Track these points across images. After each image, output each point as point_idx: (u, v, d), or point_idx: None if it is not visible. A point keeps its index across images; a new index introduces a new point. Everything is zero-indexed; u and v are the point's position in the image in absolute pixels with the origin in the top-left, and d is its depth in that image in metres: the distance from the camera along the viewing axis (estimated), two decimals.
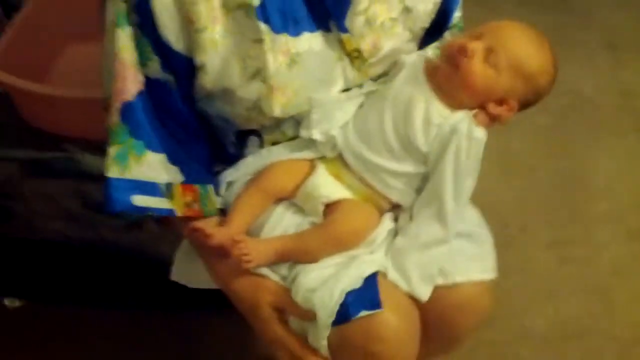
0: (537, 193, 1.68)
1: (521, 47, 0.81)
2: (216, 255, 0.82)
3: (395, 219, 0.86)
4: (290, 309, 0.80)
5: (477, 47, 0.78)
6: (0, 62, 1.10)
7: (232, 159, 0.91)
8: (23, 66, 1.15)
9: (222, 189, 0.89)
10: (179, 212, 0.83)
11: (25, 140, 1.12)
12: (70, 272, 1.23)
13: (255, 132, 0.89)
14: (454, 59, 0.79)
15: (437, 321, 0.84)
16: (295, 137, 0.88)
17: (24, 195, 1.14)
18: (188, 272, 0.97)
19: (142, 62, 0.78)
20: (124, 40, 0.77)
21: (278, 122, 0.86)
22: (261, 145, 0.89)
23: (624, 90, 2.02)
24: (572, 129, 1.86)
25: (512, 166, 1.74)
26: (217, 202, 0.87)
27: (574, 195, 1.68)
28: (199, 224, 0.82)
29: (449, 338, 0.90)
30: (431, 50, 0.90)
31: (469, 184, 0.81)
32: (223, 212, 0.87)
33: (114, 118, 0.79)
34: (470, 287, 0.83)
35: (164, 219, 0.92)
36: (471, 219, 0.89)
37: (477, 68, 0.78)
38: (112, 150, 0.80)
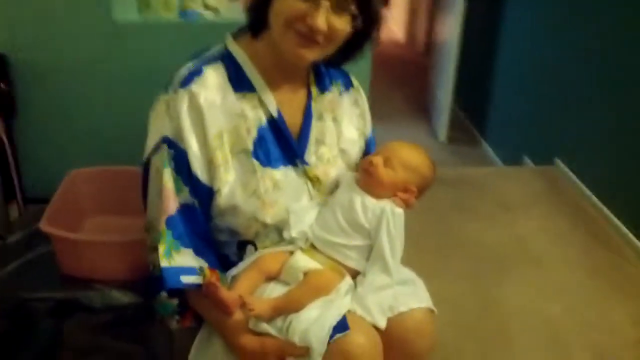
0: (466, 321, 2.00)
1: (405, 152, 1.27)
2: (222, 311, 1.12)
3: (354, 279, 1.22)
4: (290, 352, 1.09)
5: (378, 160, 1.24)
6: (49, 221, 1.49)
7: (232, 266, 1.24)
8: (62, 228, 1.54)
9: (228, 281, 1.21)
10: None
11: (64, 285, 1.44)
12: None
13: (251, 242, 1.24)
14: (366, 170, 1.24)
15: (397, 343, 1.15)
16: (279, 242, 1.23)
17: (62, 330, 1.41)
18: (203, 356, 1.22)
19: (177, 191, 1.15)
20: (168, 176, 1.14)
21: (267, 231, 1.21)
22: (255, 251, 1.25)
23: (519, 237, 2.53)
24: (485, 269, 2.30)
25: (443, 301, 2.09)
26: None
27: (494, 318, 2.02)
28: (214, 280, 1.11)
29: (407, 356, 1.19)
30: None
31: (399, 245, 1.20)
32: None
33: (162, 226, 1.14)
34: (414, 314, 1.18)
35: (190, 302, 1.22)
36: (405, 272, 1.27)
37: (381, 171, 1.23)
38: (161, 248, 1.13)
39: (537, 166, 3.35)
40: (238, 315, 1.13)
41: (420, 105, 5.18)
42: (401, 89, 5.67)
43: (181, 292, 1.20)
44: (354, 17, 1.11)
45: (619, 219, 2.56)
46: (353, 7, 1.10)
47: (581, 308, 2.08)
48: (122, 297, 1.45)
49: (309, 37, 1.10)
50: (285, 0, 1.08)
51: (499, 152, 4.09)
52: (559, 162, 3.13)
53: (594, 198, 2.75)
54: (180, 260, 1.15)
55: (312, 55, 1.14)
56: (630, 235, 2.45)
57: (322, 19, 1.07)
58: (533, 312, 2.06)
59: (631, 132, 2.53)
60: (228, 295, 1.12)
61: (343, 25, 1.11)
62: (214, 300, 1.12)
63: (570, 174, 2.99)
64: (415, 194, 1.26)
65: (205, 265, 1.18)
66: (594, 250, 2.44)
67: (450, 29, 4.16)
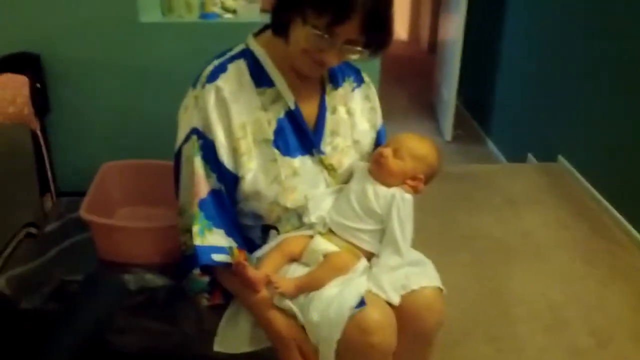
0: (472, 306, 2.09)
1: (413, 143, 1.38)
2: (250, 289, 1.23)
3: (369, 261, 1.33)
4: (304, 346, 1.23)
5: (388, 151, 1.35)
6: (88, 210, 1.62)
7: (257, 249, 1.35)
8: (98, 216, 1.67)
9: (254, 262, 1.32)
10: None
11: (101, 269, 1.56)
12: None
13: (274, 227, 1.35)
14: (377, 161, 1.35)
15: (409, 318, 1.25)
16: (299, 227, 1.35)
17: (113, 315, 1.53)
18: (229, 339, 1.34)
19: (206, 177, 1.27)
20: (198, 163, 1.26)
21: (288, 216, 1.33)
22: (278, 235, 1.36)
23: (523, 230, 2.63)
24: (490, 260, 2.39)
25: (449, 288, 2.17)
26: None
27: (499, 305, 2.11)
28: (242, 259, 1.23)
29: (419, 331, 1.29)
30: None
31: (409, 228, 1.31)
32: None
33: (195, 208, 1.25)
34: (425, 291, 1.28)
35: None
36: (416, 254, 1.37)
37: (391, 162, 1.34)
38: (195, 229, 1.25)
39: (541, 163, 3.45)
40: (264, 292, 1.24)
41: (425, 104, 5.27)
42: (406, 87, 5.76)
43: (211, 271, 1.32)
44: (361, 53, 1.22)
45: (618, 211, 2.65)
46: (361, 48, 1.21)
47: (583, 294, 2.17)
48: (155, 280, 1.56)
49: (323, 64, 1.23)
50: (304, 30, 1.18)
51: (503, 149, 4.19)
52: (561, 159, 3.23)
53: (596, 192, 2.85)
54: (212, 240, 1.26)
55: (323, 72, 1.33)
56: (629, 226, 2.55)
57: (335, 58, 1.21)
58: (536, 298, 2.15)
59: (632, 128, 2.62)
60: (255, 274, 1.23)
61: (354, 56, 1.23)
62: (242, 278, 1.23)
63: (573, 170, 3.09)
64: (423, 181, 1.37)
65: (234, 245, 1.29)
66: (594, 241, 2.53)
67: (454, 27, 4.24)
